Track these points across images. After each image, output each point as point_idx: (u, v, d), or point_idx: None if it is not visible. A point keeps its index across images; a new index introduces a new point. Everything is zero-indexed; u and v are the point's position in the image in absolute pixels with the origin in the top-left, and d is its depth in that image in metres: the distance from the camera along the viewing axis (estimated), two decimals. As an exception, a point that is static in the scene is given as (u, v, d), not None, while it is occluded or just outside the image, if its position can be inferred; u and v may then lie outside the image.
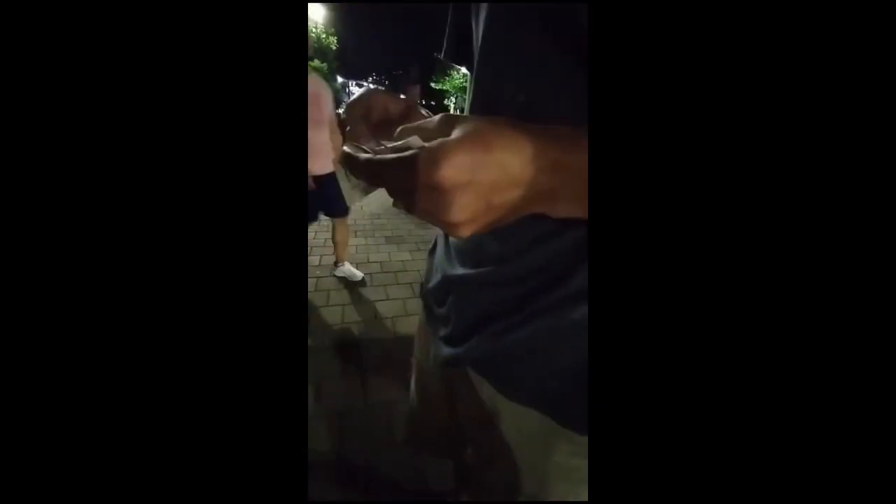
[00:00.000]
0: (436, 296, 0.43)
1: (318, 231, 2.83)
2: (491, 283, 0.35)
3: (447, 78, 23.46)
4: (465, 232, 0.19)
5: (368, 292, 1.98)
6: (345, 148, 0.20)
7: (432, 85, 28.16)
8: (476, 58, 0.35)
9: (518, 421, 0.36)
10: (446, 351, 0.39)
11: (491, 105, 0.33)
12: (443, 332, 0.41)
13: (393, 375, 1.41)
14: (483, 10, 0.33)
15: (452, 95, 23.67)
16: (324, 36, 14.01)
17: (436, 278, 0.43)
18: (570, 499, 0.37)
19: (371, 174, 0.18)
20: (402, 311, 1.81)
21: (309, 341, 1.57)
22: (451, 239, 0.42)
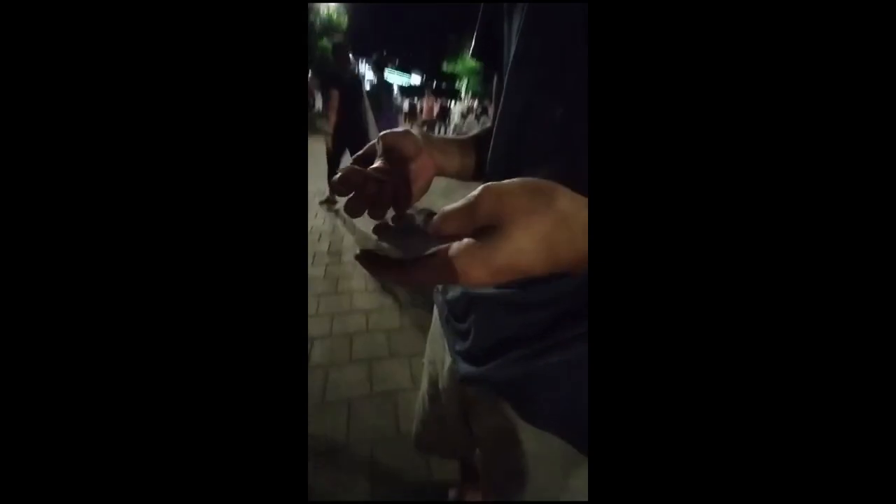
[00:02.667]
0: (454, 309, 0.42)
1: (327, 218, 2.83)
2: (517, 305, 0.33)
3: (459, 60, 22.89)
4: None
5: (376, 282, 1.98)
6: (371, 250, 0.21)
7: (444, 68, 27.56)
8: (508, 65, 0.32)
9: (536, 443, 0.35)
10: (465, 368, 0.38)
11: (523, 119, 0.31)
12: (460, 346, 0.40)
13: (399, 364, 1.42)
14: (517, 16, 0.31)
15: (465, 77, 23.10)
16: (335, 15, 13.66)
17: (455, 291, 0.42)
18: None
19: (405, 278, 0.19)
20: (410, 302, 1.81)
21: (317, 328, 1.58)
22: None
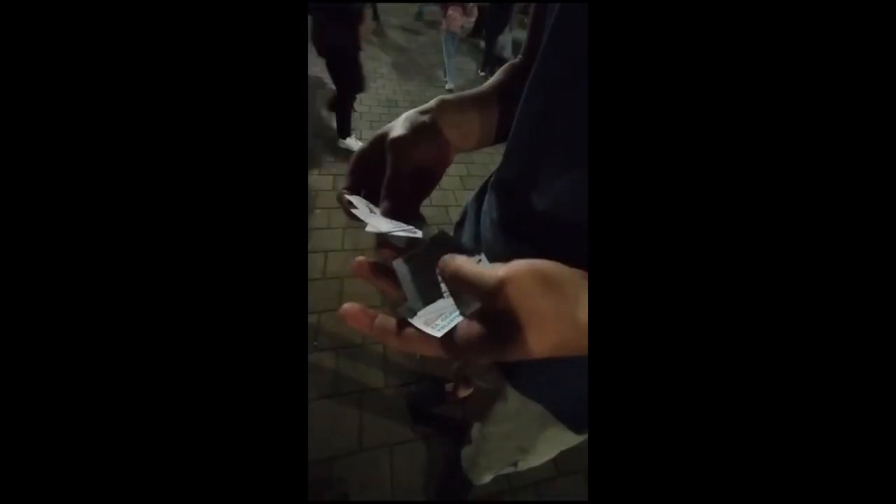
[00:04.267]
0: None
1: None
2: None
3: None
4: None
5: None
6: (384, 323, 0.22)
7: None
8: (542, 47, 0.28)
9: (520, 401, 0.45)
10: None
11: (560, 90, 0.28)
12: None
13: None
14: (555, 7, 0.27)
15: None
16: None
17: None
18: (548, 452, 0.50)
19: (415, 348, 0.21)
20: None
21: (329, 242, 1.68)
22: (483, 233, 0.40)
